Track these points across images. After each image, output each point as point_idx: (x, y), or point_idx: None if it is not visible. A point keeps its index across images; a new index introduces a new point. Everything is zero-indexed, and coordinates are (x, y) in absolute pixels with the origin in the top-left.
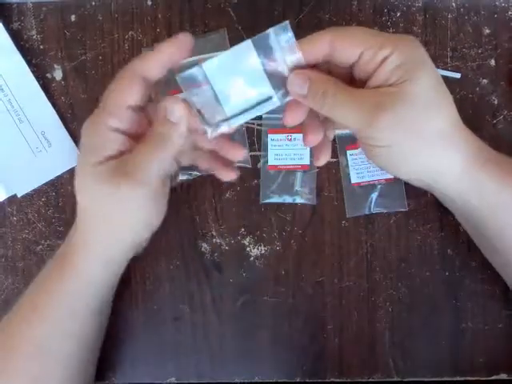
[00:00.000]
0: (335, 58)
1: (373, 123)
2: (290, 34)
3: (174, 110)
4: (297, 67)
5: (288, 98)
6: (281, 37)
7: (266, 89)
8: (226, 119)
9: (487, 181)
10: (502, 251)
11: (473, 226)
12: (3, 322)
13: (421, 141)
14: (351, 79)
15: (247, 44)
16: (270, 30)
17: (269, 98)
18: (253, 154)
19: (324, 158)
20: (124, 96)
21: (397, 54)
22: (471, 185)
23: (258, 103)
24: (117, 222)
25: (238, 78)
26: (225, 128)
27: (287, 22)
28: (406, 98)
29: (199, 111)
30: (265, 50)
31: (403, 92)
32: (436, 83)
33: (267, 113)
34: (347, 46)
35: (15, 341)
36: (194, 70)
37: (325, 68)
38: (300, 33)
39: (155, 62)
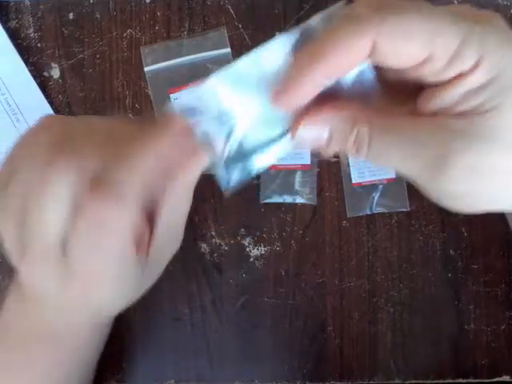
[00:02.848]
0: (378, 62)
1: (437, 175)
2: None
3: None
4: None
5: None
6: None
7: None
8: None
9: None
10: None
11: None
12: None
13: (505, 185)
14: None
15: (283, 39)
16: (311, 21)
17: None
18: None
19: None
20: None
21: (485, 66)
22: None
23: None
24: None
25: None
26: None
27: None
28: (491, 135)
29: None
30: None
31: (486, 126)
32: None
33: None
34: (401, 49)
35: None
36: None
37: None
38: None
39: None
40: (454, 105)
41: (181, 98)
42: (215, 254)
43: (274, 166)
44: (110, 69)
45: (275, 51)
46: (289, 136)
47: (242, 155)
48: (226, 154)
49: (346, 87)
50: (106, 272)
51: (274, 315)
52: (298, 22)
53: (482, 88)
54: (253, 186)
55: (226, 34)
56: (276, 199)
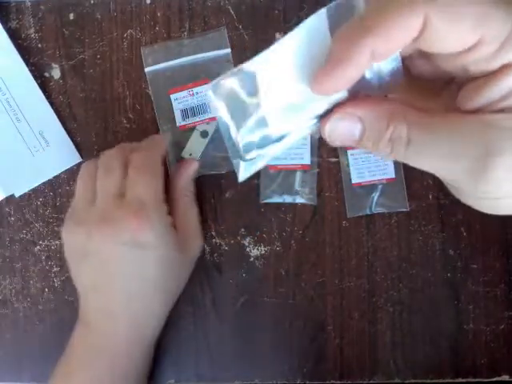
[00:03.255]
0: (424, 46)
1: (481, 177)
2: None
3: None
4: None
5: None
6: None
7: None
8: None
9: None
10: None
11: None
12: None
13: None
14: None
15: (321, 15)
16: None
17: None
18: None
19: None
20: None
21: None
22: None
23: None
24: (175, 286)
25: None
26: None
27: None
28: None
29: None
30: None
31: None
32: None
33: None
34: (452, 30)
35: None
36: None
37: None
38: None
39: None
40: (501, 99)
41: (220, 83)
42: (215, 254)
43: (274, 166)
44: (111, 69)
45: (312, 32)
46: (310, 128)
47: (260, 145)
48: (243, 144)
49: (373, 80)
50: (149, 203)
51: (274, 315)
52: (298, 22)
53: None
54: (253, 186)
55: (226, 35)
56: (276, 199)
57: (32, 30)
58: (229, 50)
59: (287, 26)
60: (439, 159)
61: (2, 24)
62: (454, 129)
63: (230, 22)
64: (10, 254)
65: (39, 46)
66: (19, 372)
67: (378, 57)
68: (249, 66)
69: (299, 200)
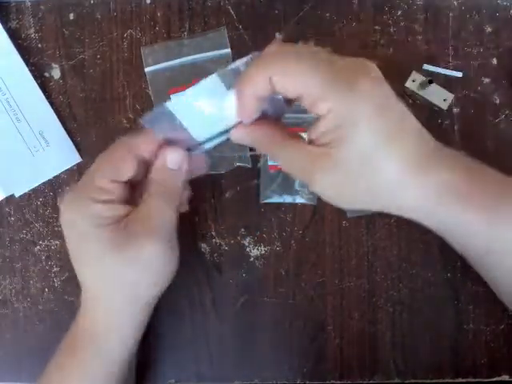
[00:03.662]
0: (276, 92)
1: (311, 184)
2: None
3: (174, 158)
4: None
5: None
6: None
7: (233, 118)
8: (198, 144)
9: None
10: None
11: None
12: None
13: (363, 197)
14: None
15: (214, 78)
16: (239, 63)
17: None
18: (253, 153)
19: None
20: (118, 174)
21: (333, 115)
22: (430, 221)
23: (227, 130)
24: (144, 287)
25: (204, 110)
26: (197, 152)
27: (251, 55)
28: (338, 163)
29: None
30: (230, 83)
31: (335, 157)
32: (377, 139)
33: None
34: (283, 85)
35: None
36: (159, 110)
37: None
38: (300, 31)
39: (149, 145)
40: (320, 137)
41: (147, 116)
42: (215, 254)
43: (274, 166)
44: (111, 69)
45: (212, 86)
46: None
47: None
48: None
49: (269, 110)
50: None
51: (274, 315)
52: (298, 22)
53: (333, 129)
54: (253, 186)
55: (226, 35)
56: (276, 199)
57: (32, 30)
58: (229, 50)
59: (287, 26)
60: (283, 165)
61: (2, 24)
62: (294, 150)
63: (229, 22)
64: (10, 254)
65: (39, 45)
66: (19, 372)
67: (257, 96)
68: (168, 104)
69: (299, 200)
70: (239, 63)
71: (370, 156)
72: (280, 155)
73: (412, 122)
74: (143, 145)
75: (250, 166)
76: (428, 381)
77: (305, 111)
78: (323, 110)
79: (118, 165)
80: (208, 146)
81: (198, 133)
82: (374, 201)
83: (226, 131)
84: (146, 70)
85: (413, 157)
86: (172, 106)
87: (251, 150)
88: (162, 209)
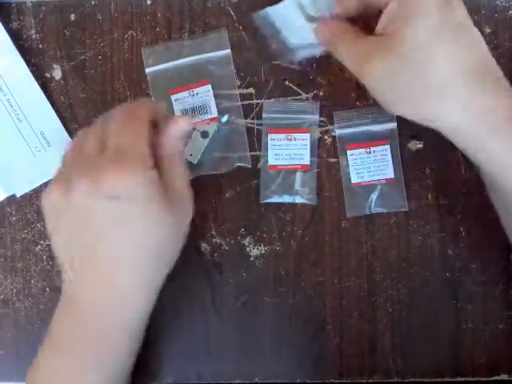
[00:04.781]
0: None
1: (360, 74)
2: None
3: (185, 121)
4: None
5: None
6: None
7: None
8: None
9: (494, 140)
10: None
11: (487, 183)
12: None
13: (412, 94)
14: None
15: None
16: None
17: None
18: (253, 153)
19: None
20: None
21: (395, 1)
22: (476, 142)
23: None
24: (170, 252)
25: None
26: (290, 58)
27: None
28: (395, 49)
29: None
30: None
31: (393, 42)
32: (437, 29)
33: (267, 113)
34: None
35: None
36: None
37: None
38: None
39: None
40: (383, 28)
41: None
42: (215, 254)
43: (274, 166)
44: (112, 70)
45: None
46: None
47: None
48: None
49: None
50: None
51: (273, 314)
52: None
53: (396, 15)
54: (253, 186)
55: (227, 36)
56: (276, 199)
57: (33, 31)
58: (229, 51)
59: None
60: (347, 57)
61: (4, 25)
62: (360, 41)
63: (230, 23)
64: (11, 254)
65: (40, 46)
66: (19, 372)
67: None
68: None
69: (299, 200)
70: None
71: (430, 48)
72: (342, 47)
73: (477, 34)
74: (163, 110)
75: (250, 166)
76: (427, 380)
77: (305, 111)
78: None
79: (150, 130)
80: (300, 54)
81: (293, 40)
82: (421, 100)
83: (314, 45)
84: (147, 70)
85: (473, 68)
86: (275, 10)
87: (251, 150)
88: (185, 177)
